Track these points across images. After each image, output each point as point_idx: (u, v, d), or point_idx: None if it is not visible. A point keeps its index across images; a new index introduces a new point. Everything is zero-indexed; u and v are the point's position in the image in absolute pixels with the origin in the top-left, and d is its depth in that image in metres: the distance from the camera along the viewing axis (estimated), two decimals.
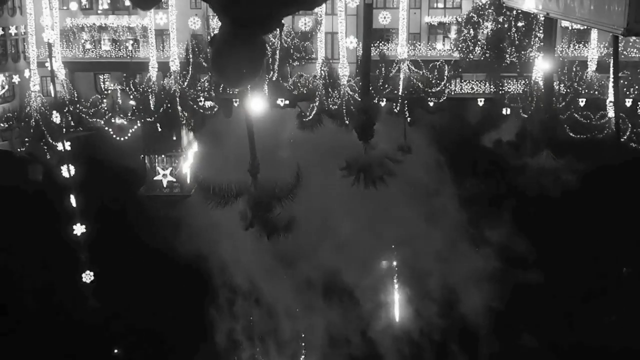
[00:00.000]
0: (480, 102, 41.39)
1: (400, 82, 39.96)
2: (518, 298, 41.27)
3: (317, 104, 39.71)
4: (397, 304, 44.85)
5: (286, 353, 43.93)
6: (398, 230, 43.21)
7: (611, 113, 38.53)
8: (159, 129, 40.52)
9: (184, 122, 40.57)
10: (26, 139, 39.94)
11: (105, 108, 40.53)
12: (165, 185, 42.94)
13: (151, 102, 39.73)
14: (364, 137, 36.86)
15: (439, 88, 40.14)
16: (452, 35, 41.63)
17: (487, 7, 39.67)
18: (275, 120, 39.59)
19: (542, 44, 38.48)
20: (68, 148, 39.31)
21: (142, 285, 39.51)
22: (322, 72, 40.08)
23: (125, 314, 40.57)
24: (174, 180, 42.91)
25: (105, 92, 41.79)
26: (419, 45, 41.56)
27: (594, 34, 40.08)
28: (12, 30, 40.68)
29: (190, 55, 39.42)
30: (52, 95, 40.11)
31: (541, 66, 38.25)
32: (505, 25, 39.38)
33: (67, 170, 38.96)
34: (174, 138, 42.37)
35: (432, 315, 42.85)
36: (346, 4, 39.92)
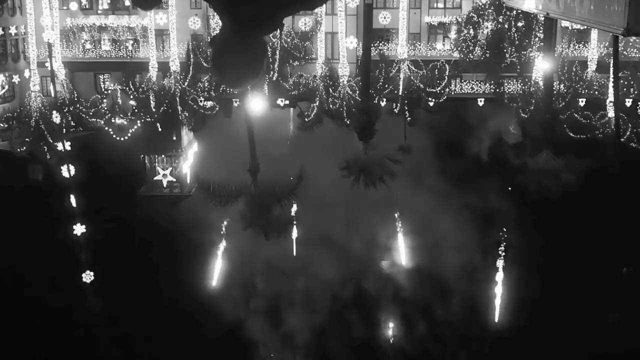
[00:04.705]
0: (480, 102, 41.40)
1: (400, 82, 39.99)
2: (517, 298, 41.23)
3: (317, 104, 39.73)
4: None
5: None
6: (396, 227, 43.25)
7: (611, 113, 38.53)
8: (159, 129, 40.54)
9: (184, 122, 40.60)
10: (26, 139, 39.96)
11: (105, 108, 40.56)
12: (165, 185, 42.95)
13: (151, 102, 39.75)
14: (364, 137, 36.83)
15: (439, 88, 40.16)
16: (452, 35, 41.66)
17: (487, 7, 39.69)
18: (276, 120, 39.54)
19: (542, 44, 38.49)
20: (68, 148, 39.28)
21: (142, 286, 39.43)
22: (322, 72, 40.11)
23: (125, 315, 40.49)
24: (174, 180, 42.92)
25: (105, 92, 41.81)
26: (419, 45, 41.59)
27: (594, 34, 40.11)
28: (12, 30, 40.71)
29: (191, 55, 39.44)
30: (52, 95, 40.14)
31: (541, 66, 38.26)
32: (505, 25, 39.39)
33: (67, 170, 38.91)
34: (174, 138, 42.39)
35: None
36: (346, 4, 39.94)
